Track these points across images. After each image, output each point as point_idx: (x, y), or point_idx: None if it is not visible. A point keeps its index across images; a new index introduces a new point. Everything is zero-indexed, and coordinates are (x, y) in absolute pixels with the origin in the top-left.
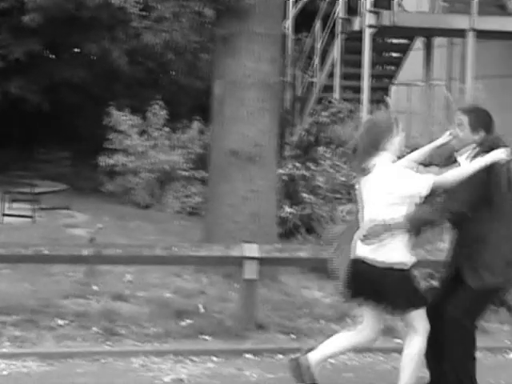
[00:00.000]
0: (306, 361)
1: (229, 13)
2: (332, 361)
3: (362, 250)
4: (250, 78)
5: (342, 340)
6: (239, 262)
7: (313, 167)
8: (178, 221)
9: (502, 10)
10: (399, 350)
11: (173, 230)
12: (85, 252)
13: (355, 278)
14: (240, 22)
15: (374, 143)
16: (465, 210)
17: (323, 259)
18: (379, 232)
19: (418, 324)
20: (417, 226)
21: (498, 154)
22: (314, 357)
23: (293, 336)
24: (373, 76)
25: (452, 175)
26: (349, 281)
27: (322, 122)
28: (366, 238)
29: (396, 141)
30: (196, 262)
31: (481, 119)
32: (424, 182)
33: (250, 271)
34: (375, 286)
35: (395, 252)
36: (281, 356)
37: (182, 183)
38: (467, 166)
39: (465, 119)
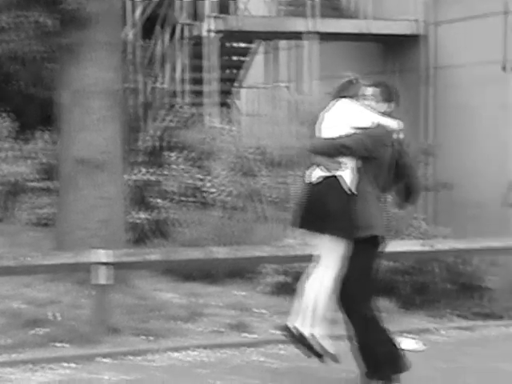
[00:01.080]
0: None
1: (71, 22)
2: (189, 358)
3: (313, 174)
4: (94, 86)
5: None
6: (89, 267)
7: (162, 172)
8: (29, 232)
9: (339, 13)
10: (252, 344)
11: (24, 242)
12: None
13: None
14: (82, 31)
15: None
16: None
17: (175, 261)
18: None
19: (331, 260)
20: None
21: (397, 124)
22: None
23: (148, 337)
24: (220, 80)
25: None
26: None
27: (169, 127)
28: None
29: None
30: (46, 271)
31: (392, 91)
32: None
33: (101, 276)
34: (319, 205)
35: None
36: (135, 357)
37: (31, 194)
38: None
39: (377, 91)
